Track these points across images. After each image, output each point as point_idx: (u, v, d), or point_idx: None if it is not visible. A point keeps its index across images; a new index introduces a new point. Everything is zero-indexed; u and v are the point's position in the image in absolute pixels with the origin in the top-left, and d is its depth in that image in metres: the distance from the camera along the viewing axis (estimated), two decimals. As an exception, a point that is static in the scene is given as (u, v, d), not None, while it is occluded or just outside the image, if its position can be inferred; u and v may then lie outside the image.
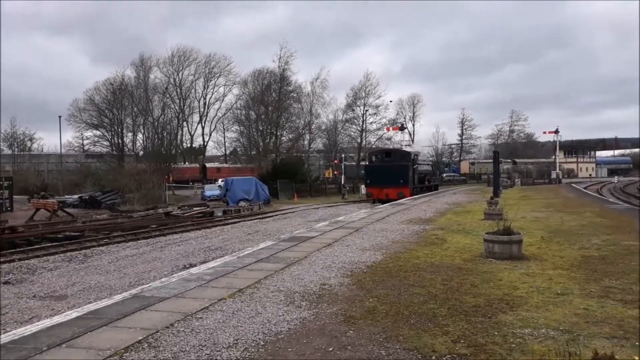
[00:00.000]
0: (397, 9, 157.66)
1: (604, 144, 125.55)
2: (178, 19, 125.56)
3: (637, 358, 3.57)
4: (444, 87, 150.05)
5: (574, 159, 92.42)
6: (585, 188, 41.79)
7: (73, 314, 5.72)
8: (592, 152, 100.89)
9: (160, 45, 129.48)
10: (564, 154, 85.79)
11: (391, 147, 52.58)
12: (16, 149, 58.66)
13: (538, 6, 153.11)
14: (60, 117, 57.24)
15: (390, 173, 32.64)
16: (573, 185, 48.02)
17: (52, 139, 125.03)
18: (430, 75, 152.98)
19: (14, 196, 31.66)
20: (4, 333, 5.81)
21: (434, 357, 4.30)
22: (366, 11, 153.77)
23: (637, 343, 4.52)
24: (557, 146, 63.92)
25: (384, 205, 24.67)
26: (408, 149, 40.53)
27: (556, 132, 62.05)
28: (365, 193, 36.68)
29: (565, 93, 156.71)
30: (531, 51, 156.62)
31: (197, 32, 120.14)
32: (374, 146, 62.64)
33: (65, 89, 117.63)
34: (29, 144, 63.26)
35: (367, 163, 40.15)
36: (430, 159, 79.64)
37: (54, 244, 17.69)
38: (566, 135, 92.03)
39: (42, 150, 64.14)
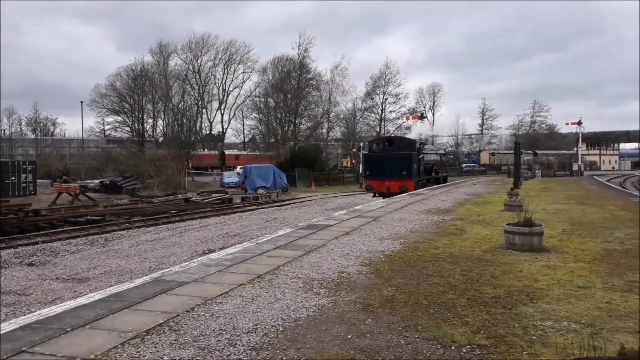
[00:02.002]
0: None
1: (628, 136, 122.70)
2: (205, 6, 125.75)
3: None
4: (469, 76, 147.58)
5: (597, 151, 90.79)
6: (607, 181, 41.09)
7: (96, 296, 5.82)
8: (616, 144, 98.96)
9: (186, 33, 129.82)
10: (587, 146, 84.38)
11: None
12: (39, 134, 59.66)
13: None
14: (82, 102, 57.92)
15: (392, 164, 29.12)
16: (595, 177, 47.21)
17: (74, 124, 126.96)
18: (455, 65, 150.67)
19: (37, 180, 32.35)
20: (30, 313, 5.95)
21: (453, 347, 4.28)
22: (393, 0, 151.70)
23: (661, 338, 4.44)
24: (580, 138, 62.88)
25: (402, 195, 24.50)
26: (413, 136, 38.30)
27: (579, 123, 61.02)
28: (364, 186, 32.45)
29: (592, 83, 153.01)
30: (560, 40, 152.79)
31: (223, 19, 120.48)
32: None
33: (91, 75, 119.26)
34: (51, 128, 64.37)
35: (366, 152, 35.93)
36: (450, 148, 78.86)
37: (76, 227, 18.03)
38: (592, 127, 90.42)
39: (64, 135, 65.20)
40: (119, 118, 63.94)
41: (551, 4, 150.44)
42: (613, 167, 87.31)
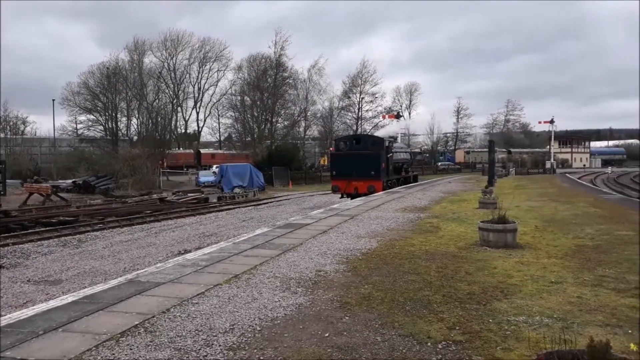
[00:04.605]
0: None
1: (598, 135, 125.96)
2: (194, 6, 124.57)
3: (632, 345, 3.61)
4: (452, 76, 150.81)
5: (569, 149, 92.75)
6: (579, 178, 42.01)
7: (69, 298, 5.71)
8: (587, 143, 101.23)
9: (163, 31, 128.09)
10: (559, 144, 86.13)
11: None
12: (9, 133, 58.11)
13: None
14: (53, 100, 56.83)
15: (360, 163, 27.38)
16: (567, 175, 48.24)
17: (46, 123, 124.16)
18: (438, 64, 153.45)
19: (7, 180, 31.51)
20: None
21: (429, 344, 4.33)
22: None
23: (629, 331, 4.56)
24: (552, 136, 64.18)
25: (379, 193, 24.62)
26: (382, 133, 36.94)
27: (551, 122, 62.26)
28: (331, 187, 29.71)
29: (571, 83, 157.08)
30: (543, 42, 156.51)
31: (212, 18, 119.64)
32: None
33: (68, 72, 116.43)
34: (22, 127, 62.71)
35: (333, 150, 33.78)
36: (425, 147, 79.66)
37: (48, 228, 17.65)
38: (567, 126, 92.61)
39: (35, 134, 63.68)
40: (92, 117, 62.63)
41: (535, 6, 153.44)
42: (584, 165, 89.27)
